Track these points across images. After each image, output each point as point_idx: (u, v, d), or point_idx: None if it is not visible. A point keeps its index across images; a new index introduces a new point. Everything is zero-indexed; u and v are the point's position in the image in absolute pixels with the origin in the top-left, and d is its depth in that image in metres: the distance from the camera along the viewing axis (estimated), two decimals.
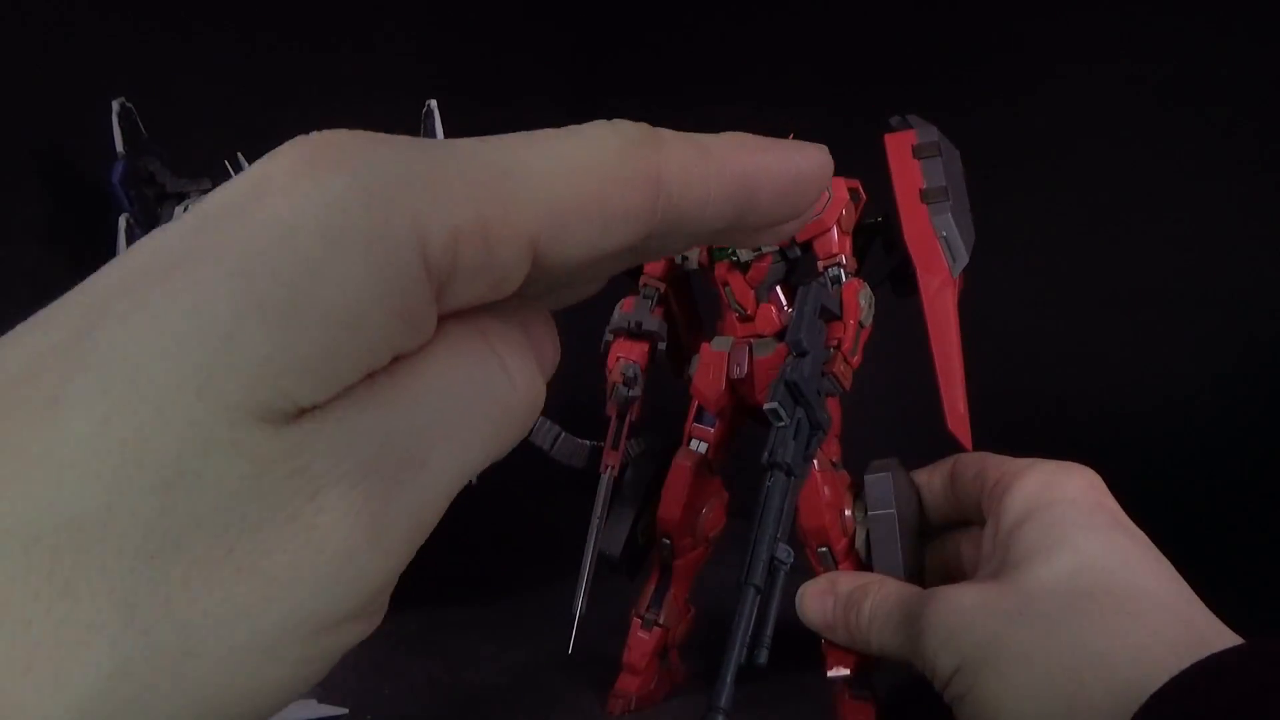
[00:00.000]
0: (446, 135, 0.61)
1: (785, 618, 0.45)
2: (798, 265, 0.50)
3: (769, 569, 0.38)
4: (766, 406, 0.40)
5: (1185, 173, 0.75)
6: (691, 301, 0.56)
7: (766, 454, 0.40)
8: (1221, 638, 0.34)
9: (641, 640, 0.52)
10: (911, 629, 0.39)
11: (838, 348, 0.45)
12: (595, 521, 0.49)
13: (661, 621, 0.52)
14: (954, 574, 0.45)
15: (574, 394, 0.59)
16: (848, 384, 0.45)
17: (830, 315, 0.45)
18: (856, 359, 0.45)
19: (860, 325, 0.46)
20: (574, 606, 0.48)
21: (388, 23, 0.88)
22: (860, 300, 0.46)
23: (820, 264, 0.48)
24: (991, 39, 0.81)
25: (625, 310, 0.52)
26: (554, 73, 1.02)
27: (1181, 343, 0.75)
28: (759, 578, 0.37)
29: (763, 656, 0.37)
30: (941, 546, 0.47)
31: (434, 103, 0.62)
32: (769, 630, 0.38)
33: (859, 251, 0.50)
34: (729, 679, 0.35)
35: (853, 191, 0.48)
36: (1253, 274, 0.72)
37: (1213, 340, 0.73)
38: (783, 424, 0.40)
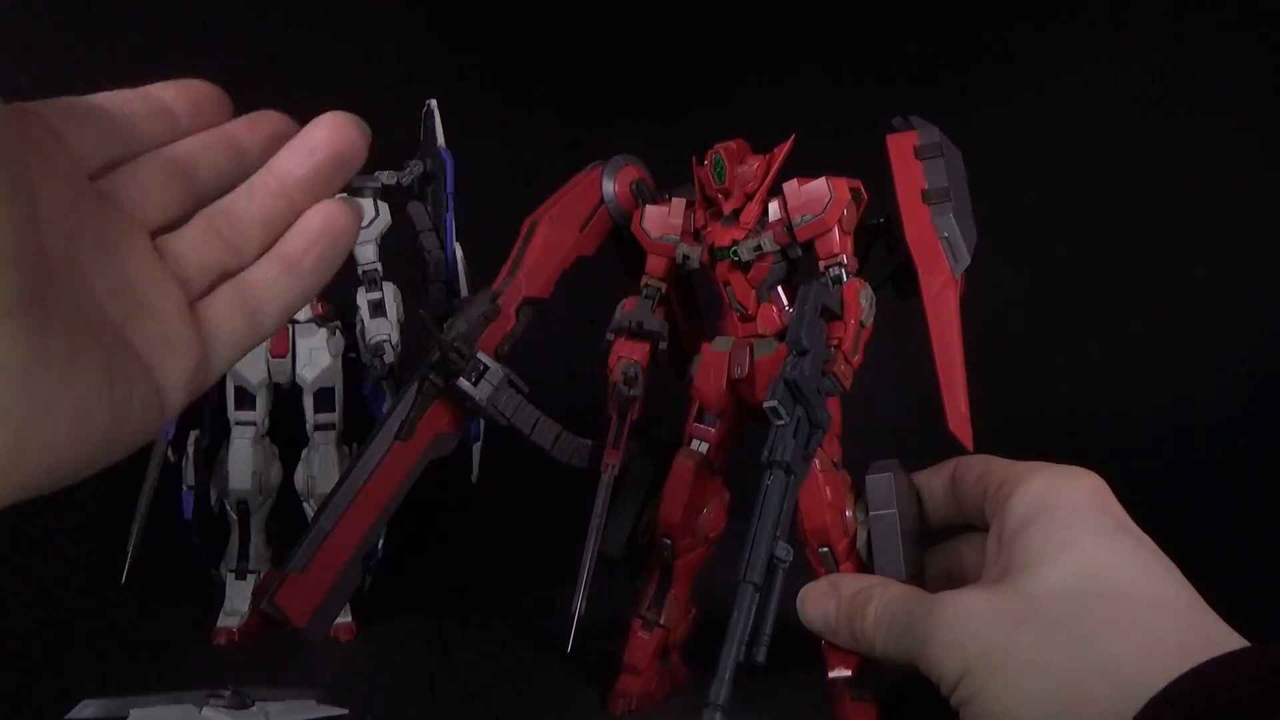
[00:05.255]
0: (447, 135, 0.61)
1: (785, 618, 0.45)
2: (799, 265, 0.50)
3: (768, 567, 0.38)
4: (766, 405, 0.40)
5: (1186, 174, 0.75)
6: (693, 302, 0.56)
7: (766, 452, 0.40)
8: (1227, 640, 0.34)
9: (642, 641, 0.52)
10: (917, 633, 0.38)
11: (838, 347, 0.45)
12: (595, 521, 0.49)
13: (662, 622, 0.52)
14: (956, 578, 0.45)
15: (575, 394, 0.59)
16: (848, 383, 0.45)
17: (831, 315, 0.45)
18: (857, 358, 0.45)
19: (861, 325, 0.45)
20: (573, 605, 0.47)
21: (388, 22, 0.88)
22: (861, 300, 0.46)
23: (821, 264, 0.48)
24: (993, 41, 0.81)
25: (627, 310, 0.52)
26: (554, 73, 1.02)
27: (1183, 343, 0.75)
28: (758, 575, 0.37)
29: (761, 654, 0.37)
30: (943, 550, 0.47)
31: (434, 102, 0.62)
32: (767, 628, 0.37)
33: (861, 252, 0.50)
34: (727, 677, 0.35)
35: (854, 191, 0.48)
36: (1255, 274, 0.72)
37: (1215, 340, 0.73)
38: (782, 422, 0.40)
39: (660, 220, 0.52)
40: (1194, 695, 0.30)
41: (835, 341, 0.45)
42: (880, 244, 0.51)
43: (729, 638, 0.36)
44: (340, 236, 0.33)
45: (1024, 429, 0.52)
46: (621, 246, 0.57)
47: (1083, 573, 0.36)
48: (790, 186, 0.48)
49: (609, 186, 0.55)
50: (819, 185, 0.48)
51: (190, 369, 0.31)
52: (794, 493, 0.40)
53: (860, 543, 0.47)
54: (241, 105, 0.32)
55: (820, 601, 0.44)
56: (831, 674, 0.46)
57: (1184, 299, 0.75)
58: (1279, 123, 0.71)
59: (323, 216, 0.33)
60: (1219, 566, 0.44)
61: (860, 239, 0.49)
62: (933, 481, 0.47)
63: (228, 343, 0.32)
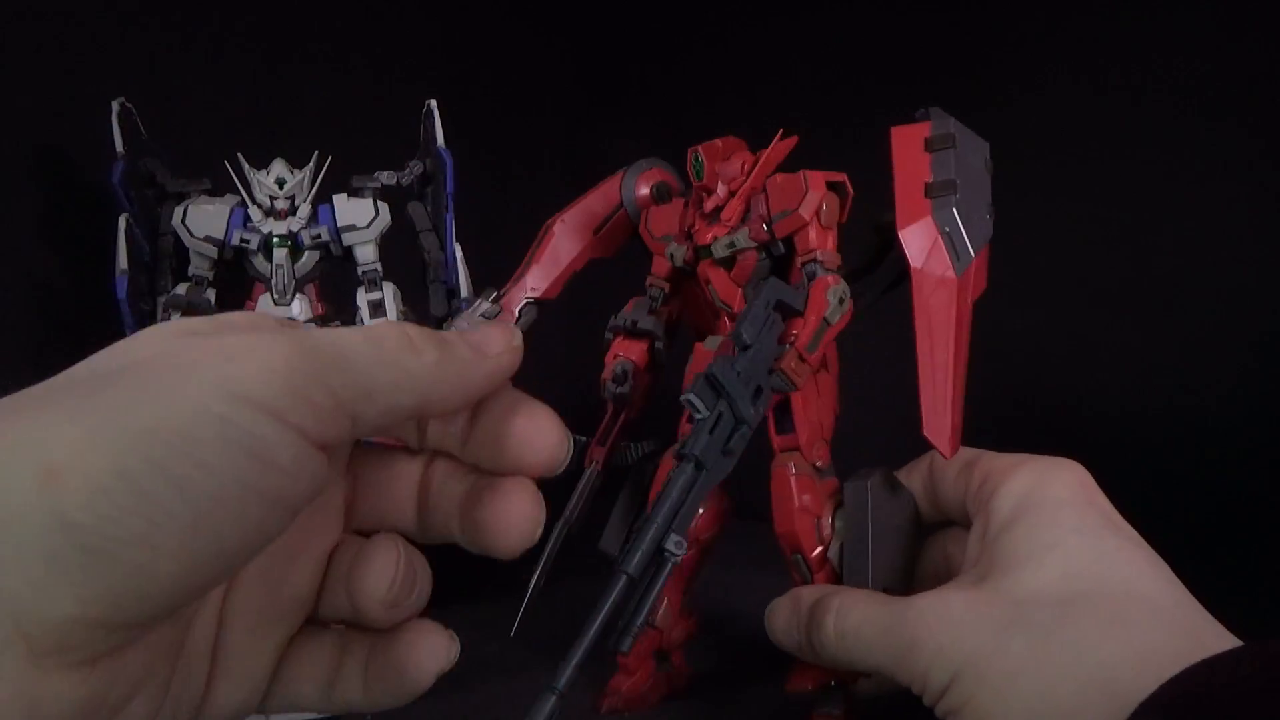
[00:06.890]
0: (446, 135, 0.61)
1: (759, 629, 0.44)
2: (788, 263, 0.49)
3: (658, 559, 0.37)
4: (682, 398, 0.39)
5: (1186, 174, 0.74)
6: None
7: (678, 445, 0.39)
8: (1219, 640, 0.33)
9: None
10: (895, 640, 0.37)
11: (793, 343, 0.43)
12: (567, 510, 0.50)
13: (655, 623, 0.51)
14: (939, 575, 0.44)
15: (574, 394, 0.59)
16: (800, 380, 0.43)
17: (791, 310, 0.43)
18: (815, 356, 0.43)
19: (826, 322, 0.43)
20: (530, 583, 0.48)
21: (389, 23, 0.88)
22: (828, 296, 0.44)
23: (799, 259, 0.46)
24: (994, 40, 0.80)
25: (626, 310, 0.52)
26: (555, 73, 1.02)
27: (1180, 342, 0.73)
28: (633, 567, 0.36)
29: (626, 645, 0.36)
30: (926, 548, 0.46)
31: (434, 103, 0.62)
32: (641, 620, 0.36)
33: (879, 249, 0.48)
34: (574, 661, 0.33)
35: (837, 185, 0.46)
36: (1253, 274, 0.71)
37: (1212, 340, 0.72)
38: (700, 416, 0.39)
39: (663, 220, 0.52)
40: (1185, 698, 0.29)
41: (791, 338, 0.43)
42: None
43: (586, 623, 0.34)
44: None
45: (1019, 428, 0.51)
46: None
47: (1069, 574, 0.35)
48: (772, 182, 0.47)
49: (630, 189, 0.54)
50: (795, 179, 0.46)
51: (238, 705, 0.29)
52: (703, 489, 0.39)
53: (832, 551, 0.45)
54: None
55: (784, 616, 0.43)
56: (789, 689, 0.44)
57: (1183, 299, 0.74)
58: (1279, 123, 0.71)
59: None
60: (1210, 562, 0.43)
61: (878, 236, 0.48)
62: (910, 479, 0.46)
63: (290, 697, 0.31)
